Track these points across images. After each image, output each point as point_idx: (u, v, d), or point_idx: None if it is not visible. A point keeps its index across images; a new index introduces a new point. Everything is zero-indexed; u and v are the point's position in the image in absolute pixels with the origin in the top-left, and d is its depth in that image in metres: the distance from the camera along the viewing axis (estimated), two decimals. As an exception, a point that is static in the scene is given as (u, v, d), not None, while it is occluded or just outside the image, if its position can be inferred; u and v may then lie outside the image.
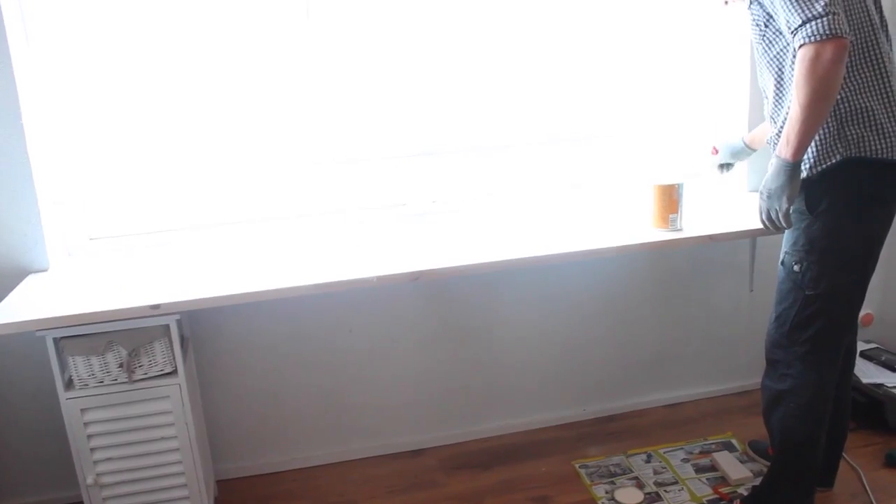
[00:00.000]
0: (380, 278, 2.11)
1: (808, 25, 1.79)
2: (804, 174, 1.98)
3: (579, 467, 2.69)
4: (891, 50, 2.04)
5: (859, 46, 1.95)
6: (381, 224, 2.69)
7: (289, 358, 2.66)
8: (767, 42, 2.04)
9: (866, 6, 1.99)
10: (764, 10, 2.00)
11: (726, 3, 2.28)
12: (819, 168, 1.97)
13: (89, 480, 2.14)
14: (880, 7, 2.04)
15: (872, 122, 1.95)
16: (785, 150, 1.92)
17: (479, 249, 2.34)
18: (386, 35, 2.59)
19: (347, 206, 2.70)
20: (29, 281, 2.30)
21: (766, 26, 2.01)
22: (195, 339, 2.55)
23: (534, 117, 2.79)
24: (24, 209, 2.32)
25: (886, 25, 2.05)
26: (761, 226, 2.09)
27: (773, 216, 2.00)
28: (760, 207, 2.05)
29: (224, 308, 2.50)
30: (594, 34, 2.77)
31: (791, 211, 1.99)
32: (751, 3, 2.05)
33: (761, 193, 2.03)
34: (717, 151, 2.64)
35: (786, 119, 2.00)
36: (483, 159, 2.79)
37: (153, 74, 2.46)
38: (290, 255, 2.40)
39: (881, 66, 1.99)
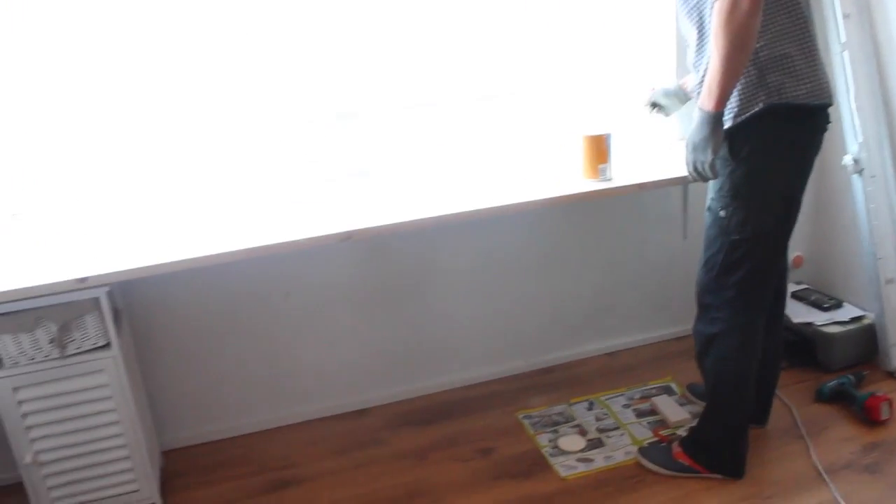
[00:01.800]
0: (310, 240, 2.11)
1: None
2: (728, 123, 2.01)
3: (522, 418, 2.74)
4: None
5: None
6: (311, 186, 2.67)
7: (227, 324, 2.64)
8: None
9: None
10: None
11: None
12: (742, 117, 1.99)
13: (27, 459, 2.12)
14: None
15: (791, 69, 1.98)
16: (707, 101, 1.94)
17: (411, 207, 2.34)
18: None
19: (278, 167, 2.66)
20: (-49, 260, 2.24)
21: None
22: (130, 310, 2.51)
23: (464, 73, 2.77)
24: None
25: None
26: (689, 177, 2.11)
27: (700, 167, 2.03)
28: (686, 159, 2.07)
29: (157, 277, 2.46)
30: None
31: (716, 160, 2.03)
32: None
33: (687, 145, 2.05)
34: (654, 89, 2.65)
35: (707, 70, 2.04)
36: (413, 119, 2.77)
37: (70, 45, 2.38)
38: (220, 220, 2.38)
39: (798, 12, 2.01)
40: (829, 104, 2.06)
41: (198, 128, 2.56)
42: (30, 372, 2.08)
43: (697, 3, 2.03)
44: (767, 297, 2.24)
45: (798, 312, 2.98)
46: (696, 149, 2.01)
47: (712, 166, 2.01)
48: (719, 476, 2.34)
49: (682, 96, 2.56)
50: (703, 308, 2.27)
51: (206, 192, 2.60)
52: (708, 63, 1.98)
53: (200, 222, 2.39)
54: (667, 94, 2.58)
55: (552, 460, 2.50)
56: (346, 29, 2.61)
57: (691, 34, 2.11)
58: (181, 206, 2.56)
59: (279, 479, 2.52)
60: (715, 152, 1.98)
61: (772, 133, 2.02)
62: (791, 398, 2.70)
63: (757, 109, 1.98)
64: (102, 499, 2.25)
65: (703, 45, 2.07)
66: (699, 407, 2.67)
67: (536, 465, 2.49)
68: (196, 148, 2.57)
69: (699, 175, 2.06)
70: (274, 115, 2.63)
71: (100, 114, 2.46)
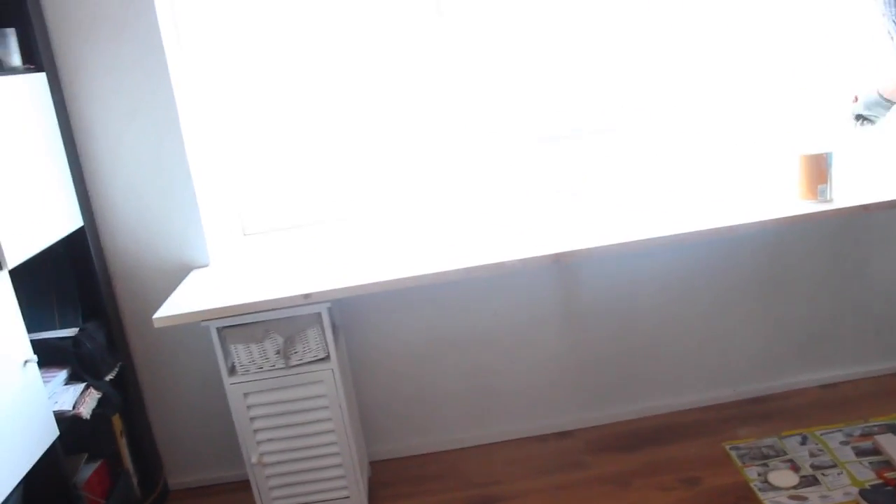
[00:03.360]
0: (520, 261, 2.14)
1: None
2: None
3: (730, 449, 2.62)
4: None
5: None
6: (523, 207, 2.72)
7: (435, 342, 2.73)
8: None
9: None
10: None
11: None
12: None
13: (254, 459, 2.30)
14: None
15: None
16: None
17: (619, 229, 2.32)
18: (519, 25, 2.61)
19: (489, 191, 2.74)
20: (193, 276, 2.48)
21: None
22: (346, 327, 2.67)
23: (676, 91, 2.73)
24: (185, 211, 2.50)
25: None
26: None
27: None
28: None
29: (372, 296, 2.60)
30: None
31: None
32: None
33: None
34: (857, 99, 2.47)
35: None
36: (626, 140, 2.76)
37: (299, 77, 2.58)
38: (433, 242, 2.46)
39: None
40: None
41: (414, 152, 2.69)
42: (258, 379, 2.25)
43: None
44: None
45: None
46: None
47: None
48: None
49: (884, 104, 2.34)
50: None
51: (422, 213, 2.72)
52: None
53: (415, 243, 2.49)
54: (868, 105, 2.38)
55: (761, 495, 2.37)
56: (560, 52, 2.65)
57: None
58: (398, 227, 2.69)
59: (482, 496, 2.56)
60: None
61: None
62: None
63: None
64: (317, 502, 2.38)
65: None
66: (932, 449, 2.45)
67: (744, 498, 2.37)
68: (413, 172, 2.70)
69: None
70: (487, 137, 2.70)
71: (326, 140, 2.65)
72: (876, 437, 2.56)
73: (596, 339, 2.81)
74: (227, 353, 2.23)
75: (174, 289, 2.42)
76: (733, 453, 2.59)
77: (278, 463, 2.33)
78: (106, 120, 2.42)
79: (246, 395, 2.26)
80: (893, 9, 1.95)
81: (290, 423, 2.30)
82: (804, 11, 2.69)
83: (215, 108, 2.60)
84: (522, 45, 2.63)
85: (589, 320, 2.78)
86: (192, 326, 2.46)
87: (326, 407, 2.29)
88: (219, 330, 2.19)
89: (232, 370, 2.26)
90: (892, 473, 2.38)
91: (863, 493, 2.29)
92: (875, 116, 2.38)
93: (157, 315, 2.11)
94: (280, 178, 2.66)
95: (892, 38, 2.02)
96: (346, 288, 2.12)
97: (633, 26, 2.65)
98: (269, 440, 2.31)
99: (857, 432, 2.63)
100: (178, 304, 2.19)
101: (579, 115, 2.71)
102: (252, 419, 2.28)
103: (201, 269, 2.54)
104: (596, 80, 2.68)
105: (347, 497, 2.39)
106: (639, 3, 2.64)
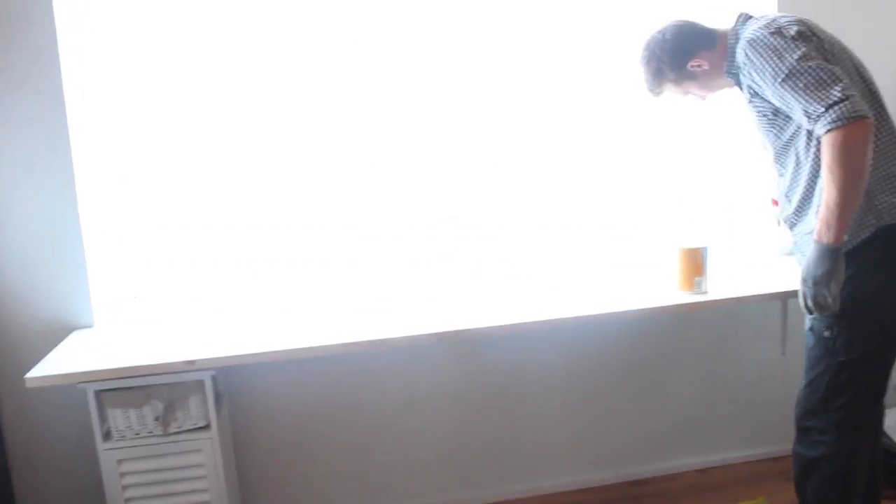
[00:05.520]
0: (406, 338, 2.18)
1: (830, 112, 1.82)
2: None
3: (607, 531, 2.67)
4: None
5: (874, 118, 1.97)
6: (413, 282, 2.77)
7: (320, 414, 2.71)
8: (778, 129, 2.08)
9: (865, 79, 2.06)
10: (769, 103, 2.03)
11: (705, 98, 2.31)
12: (853, 244, 1.97)
13: (123, 530, 2.21)
14: (873, 78, 2.10)
15: None
16: (826, 235, 1.90)
17: (505, 308, 2.39)
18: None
19: (379, 263, 2.78)
20: (75, 337, 2.41)
21: (775, 115, 2.05)
22: (231, 393, 2.62)
23: (562, 181, 2.86)
24: (73, 271, 2.45)
25: (882, 96, 2.09)
26: (804, 310, 2.04)
27: (822, 301, 1.96)
28: (804, 294, 2.00)
29: (259, 365, 2.57)
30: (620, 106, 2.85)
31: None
32: (751, 98, 2.09)
33: (804, 280, 1.99)
34: (776, 203, 2.63)
35: (802, 198, 2.05)
36: (513, 222, 2.87)
37: (198, 147, 2.61)
38: (325, 315, 2.47)
39: (893, 130, 2.02)
40: None
41: (304, 223, 2.72)
42: (134, 446, 2.18)
43: (791, 137, 2.05)
44: (873, 422, 2.16)
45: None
46: (817, 283, 1.95)
47: (836, 299, 1.95)
48: None
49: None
50: (804, 431, 2.19)
51: (311, 285, 2.73)
52: (802, 192, 2.00)
53: (305, 314, 2.49)
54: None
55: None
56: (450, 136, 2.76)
57: (787, 166, 2.11)
58: (287, 297, 2.69)
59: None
60: (839, 285, 1.94)
61: (881, 253, 1.99)
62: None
63: (867, 235, 1.97)
64: (189, 578, 2.30)
65: (797, 176, 2.07)
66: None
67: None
68: (301, 241, 2.73)
69: (819, 307, 1.98)
70: (376, 213, 2.77)
71: (212, 204, 2.66)
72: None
73: (481, 418, 2.84)
74: (103, 418, 2.16)
75: (52, 349, 2.33)
76: (610, 535, 2.64)
77: (150, 534, 2.25)
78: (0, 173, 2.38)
79: (120, 461, 2.18)
80: (764, 120, 2.11)
81: (165, 493, 2.22)
82: (686, 115, 2.90)
83: (114, 169, 2.58)
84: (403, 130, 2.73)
85: (472, 397, 2.81)
86: (68, 388, 2.36)
87: (204, 477, 2.23)
88: (96, 393, 2.13)
89: (107, 435, 2.18)
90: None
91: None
92: None
93: (29, 375, 2.03)
94: (174, 244, 2.64)
95: (765, 148, 2.18)
96: (229, 357, 2.10)
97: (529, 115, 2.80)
98: (142, 510, 2.23)
99: (727, 516, 2.73)
100: (55, 364, 2.12)
101: (467, 198, 2.81)
102: (124, 487, 2.20)
103: (84, 330, 2.47)
104: (480, 164, 2.80)
105: (221, 571, 2.31)
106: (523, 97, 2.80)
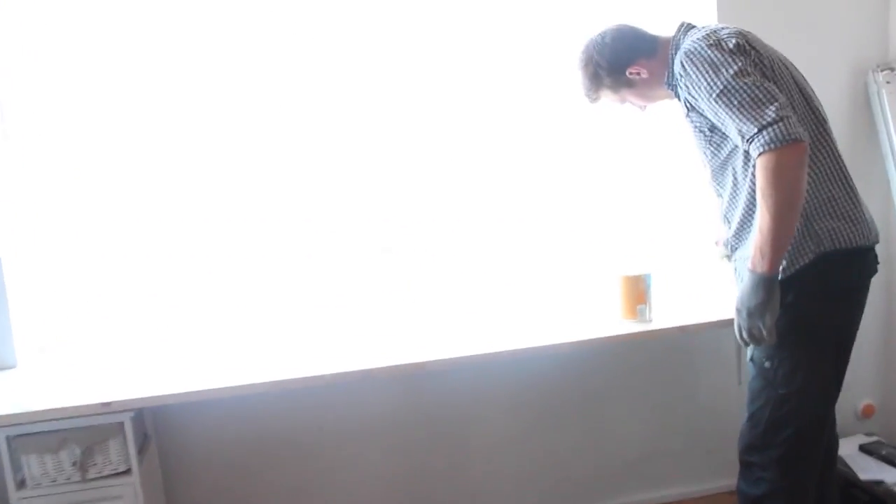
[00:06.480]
0: (335, 375, 2.10)
1: (763, 133, 1.75)
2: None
3: (557, 571, 2.58)
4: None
5: (812, 139, 1.92)
6: (349, 317, 2.69)
7: (256, 456, 2.61)
8: (715, 146, 2.00)
9: (806, 95, 1.99)
10: (706, 118, 1.96)
11: (644, 108, 2.23)
12: (791, 270, 1.91)
13: (39, 584, 2.09)
14: (814, 94, 2.04)
15: (839, 211, 1.92)
16: (760, 263, 1.82)
17: (447, 340, 2.34)
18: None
19: (315, 297, 2.71)
20: (-13, 379, 2.31)
21: (712, 132, 1.98)
22: (160, 435, 2.51)
23: (505, 210, 2.81)
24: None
25: (824, 112, 2.03)
26: (739, 342, 1.97)
27: (756, 333, 1.89)
28: (739, 325, 1.92)
29: (189, 404, 2.47)
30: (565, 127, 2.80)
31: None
32: (688, 112, 2.01)
33: (738, 311, 1.91)
34: (719, 243, 2.57)
35: (741, 220, 1.98)
36: (451, 254, 2.81)
37: (117, 194, 2.56)
38: (255, 350, 2.41)
39: (834, 153, 1.97)
40: (876, 243, 1.97)
41: (234, 255, 2.66)
42: (50, 494, 2.07)
43: (728, 155, 1.98)
44: (818, 456, 2.08)
45: (867, 468, 2.75)
46: (751, 315, 1.87)
47: (771, 331, 1.87)
48: None
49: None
50: (747, 466, 2.12)
51: (242, 320, 2.65)
52: (741, 213, 1.94)
53: (233, 351, 2.42)
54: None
55: None
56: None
57: (724, 185, 2.05)
58: (215, 333, 2.61)
59: None
60: (774, 317, 1.85)
61: (820, 278, 1.92)
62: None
63: (807, 261, 1.90)
64: None
65: (736, 196, 2.01)
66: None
67: None
68: (232, 276, 2.65)
69: (754, 340, 1.91)
70: (311, 244, 2.71)
71: (124, 243, 2.59)
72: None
73: (422, 460, 2.74)
74: (17, 466, 2.06)
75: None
76: (560, 576, 2.55)
77: (68, 587, 2.13)
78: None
79: (36, 511, 2.08)
80: (701, 136, 2.04)
81: (85, 543, 2.12)
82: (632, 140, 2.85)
83: (35, 212, 2.51)
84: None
85: (417, 435, 2.72)
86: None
87: (126, 526, 2.13)
88: (9, 438, 2.03)
89: (21, 484, 2.08)
90: None
91: None
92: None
93: (-66, 420, 1.94)
94: (99, 282, 2.57)
95: (704, 165, 2.12)
96: (150, 398, 2.03)
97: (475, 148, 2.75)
98: (60, 562, 2.12)
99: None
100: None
101: (404, 229, 2.76)
102: (41, 538, 2.09)
103: (5, 371, 2.37)
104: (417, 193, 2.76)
105: None
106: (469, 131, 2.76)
